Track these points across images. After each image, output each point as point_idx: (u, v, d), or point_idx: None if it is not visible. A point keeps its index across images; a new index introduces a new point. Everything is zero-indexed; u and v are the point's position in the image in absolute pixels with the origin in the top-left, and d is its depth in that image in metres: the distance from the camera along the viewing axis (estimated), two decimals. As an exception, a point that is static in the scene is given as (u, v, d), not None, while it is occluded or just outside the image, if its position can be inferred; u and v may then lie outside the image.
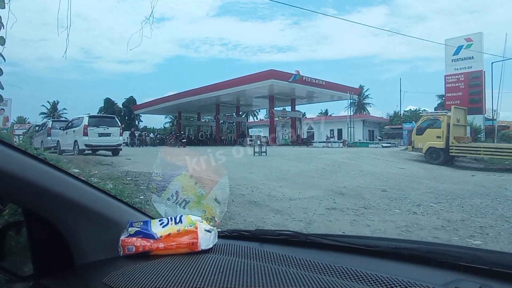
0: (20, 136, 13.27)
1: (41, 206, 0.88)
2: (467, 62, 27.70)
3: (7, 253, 1.04)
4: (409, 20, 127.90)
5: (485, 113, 28.13)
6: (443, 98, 33.80)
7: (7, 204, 2.24)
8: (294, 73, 28.05)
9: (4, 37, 3.04)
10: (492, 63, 27.00)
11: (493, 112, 27.77)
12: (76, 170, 6.66)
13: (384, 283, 0.72)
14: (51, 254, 0.95)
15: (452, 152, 15.17)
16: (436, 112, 19.42)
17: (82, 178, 1.01)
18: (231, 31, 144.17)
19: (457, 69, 28.23)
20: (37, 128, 18.89)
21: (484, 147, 15.37)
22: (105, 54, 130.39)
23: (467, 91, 27.58)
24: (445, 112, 17.36)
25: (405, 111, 45.46)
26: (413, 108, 47.08)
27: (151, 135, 38.07)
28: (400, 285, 0.70)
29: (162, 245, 1.00)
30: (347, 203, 6.24)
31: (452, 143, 15.15)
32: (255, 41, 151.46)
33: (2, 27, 3.05)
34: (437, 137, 15.48)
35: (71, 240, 0.93)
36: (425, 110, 37.19)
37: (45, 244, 0.95)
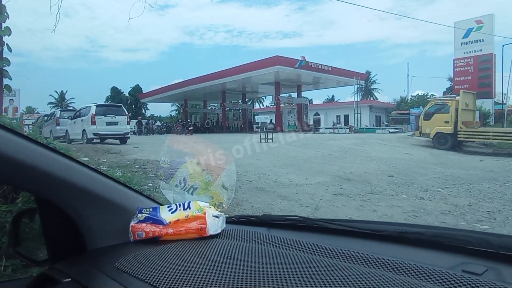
0: (29, 126, 13.45)
1: (53, 194, 0.90)
2: (477, 45, 27.03)
3: (22, 239, 1.07)
4: (417, 3, 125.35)
5: (494, 97, 27.58)
6: (452, 82, 33.24)
7: (20, 192, 2.30)
8: (300, 59, 27.68)
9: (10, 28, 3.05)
10: (503, 45, 26.48)
11: (503, 96, 27.34)
12: (86, 159, 6.73)
13: (391, 266, 0.73)
14: (64, 239, 0.98)
15: (460, 137, 14.98)
16: (444, 97, 19.12)
17: (91, 166, 1.02)
18: (235, 17, 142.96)
19: (467, 53, 27.58)
20: (46, 118, 19.09)
21: (493, 132, 15.15)
22: (111, 43, 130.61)
23: (477, 75, 27.01)
24: (454, 96, 17.06)
25: (412, 96, 44.87)
26: (420, 93, 46.41)
27: (158, 123, 38.21)
28: (406, 268, 0.71)
29: (171, 231, 1.02)
30: (354, 189, 6.24)
31: (461, 128, 14.94)
32: (260, 27, 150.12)
33: (7, 18, 3.06)
34: (445, 122, 15.26)
35: (83, 226, 0.96)
36: (433, 95, 36.55)
37: (58, 230, 0.98)
